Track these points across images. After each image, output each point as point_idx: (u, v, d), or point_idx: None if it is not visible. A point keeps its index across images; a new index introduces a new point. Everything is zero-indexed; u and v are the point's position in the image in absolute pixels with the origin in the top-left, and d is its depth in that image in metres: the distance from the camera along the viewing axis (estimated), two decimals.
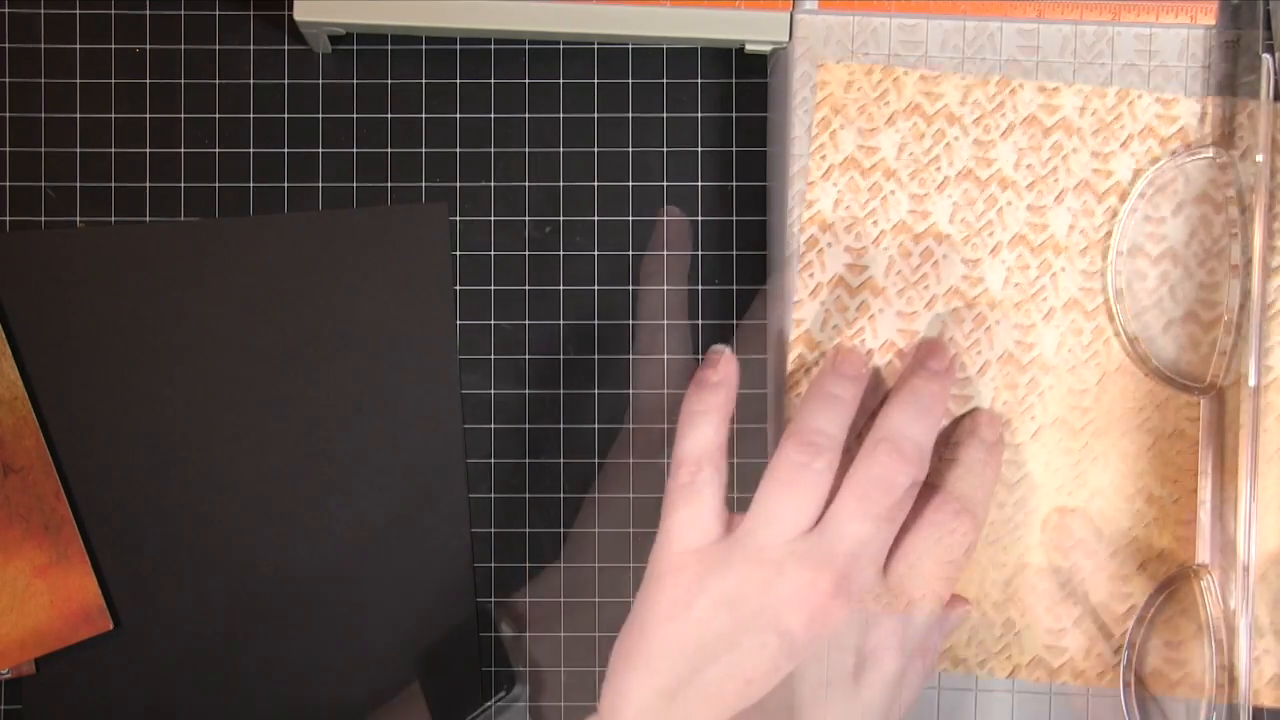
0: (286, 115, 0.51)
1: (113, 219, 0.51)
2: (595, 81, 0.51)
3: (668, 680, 0.38)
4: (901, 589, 0.40)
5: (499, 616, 0.49)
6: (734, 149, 0.51)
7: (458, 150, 0.51)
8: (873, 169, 0.42)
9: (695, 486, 0.41)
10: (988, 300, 0.43)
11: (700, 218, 0.51)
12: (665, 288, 0.43)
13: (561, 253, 0.51)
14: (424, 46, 0.51)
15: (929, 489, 0.42)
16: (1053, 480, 0.46)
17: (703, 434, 0.42)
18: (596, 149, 0.51)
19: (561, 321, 0.51)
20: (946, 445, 0.43)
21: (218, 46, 0.51)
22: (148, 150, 0.51)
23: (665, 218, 0.42)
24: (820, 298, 0.42)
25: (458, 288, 0.51)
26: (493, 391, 0.51)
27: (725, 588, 0.39)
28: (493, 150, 0.51)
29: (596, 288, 0.51)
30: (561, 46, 0.51)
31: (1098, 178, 0.42)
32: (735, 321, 0.51)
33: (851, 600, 0.39)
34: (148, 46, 0.51)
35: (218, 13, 0.51)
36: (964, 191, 0.42)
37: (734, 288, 0.51)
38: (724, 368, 0.42)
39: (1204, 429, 0.46)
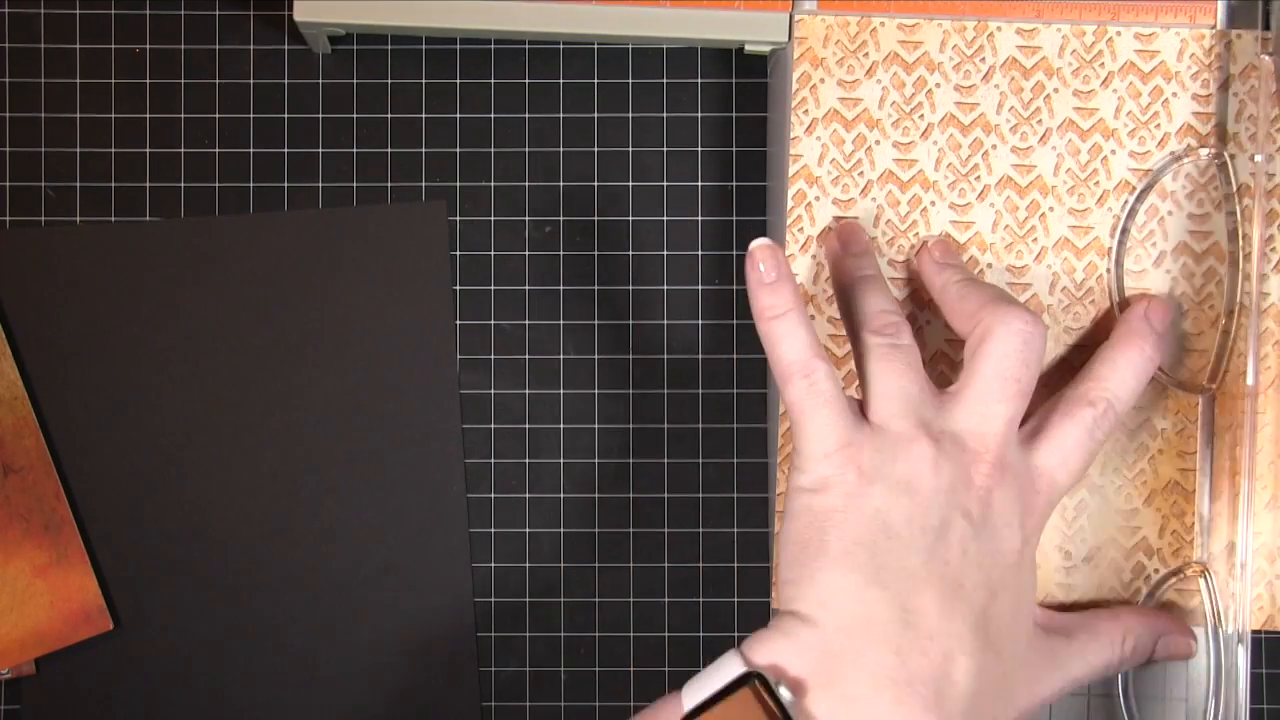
0: (286, 115, 0.51)
1: (113, 219, 0.51)
2: (595, 81, 0.51)
3: (875, 571, 0.38)
4: (1047, 471, 0.41)
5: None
6: (734, 149, 0.51)
7: (458, 150, 0.51)
8: (855, 120, 0.43)
9: (816, 389, 0.40)
10: (979, 244, 0.43)
11: (700, 218, 0.51)
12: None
13: (561, 253, 0.51)
14: (424, 46, 0.51)
15: (1084, 375, 0.43)
16: None
17: (794, 335, 0.40)
18: (596, 149, 0.51)
19: (561, 321, 0.51)
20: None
21: (218, 46, 0.51)
22: (148, 150, 0.51)
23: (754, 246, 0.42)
24: (811, 251, 0.43)
25: (458, 288, 0.51)
26: (493, 391, 0.51)
27: (896, 473, 0.39)
28: (493, 150, 0.51)
29: (596, 288, 0.51)
30: (561, 46, 0.51)
31: (1080, 116, 0.42)
32: (735, 321, 0.51)
33: (1011, 480, 0.40)
34: (148, 46, 0.51)
35: (218, 13, 0.51)
36: (949, 137, 0.42)
37: (734, 288, 0.51)
38: (770, 260, 0.40)
39: (1202, 428, 0.46)
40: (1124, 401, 0.42)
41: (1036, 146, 0.42)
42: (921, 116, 0.42)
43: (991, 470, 0.40)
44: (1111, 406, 0.42)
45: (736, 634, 0.51)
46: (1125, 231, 0.45)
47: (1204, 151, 0.46)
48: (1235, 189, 0.46)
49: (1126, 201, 0.45)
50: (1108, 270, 0.44)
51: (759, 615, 0.51)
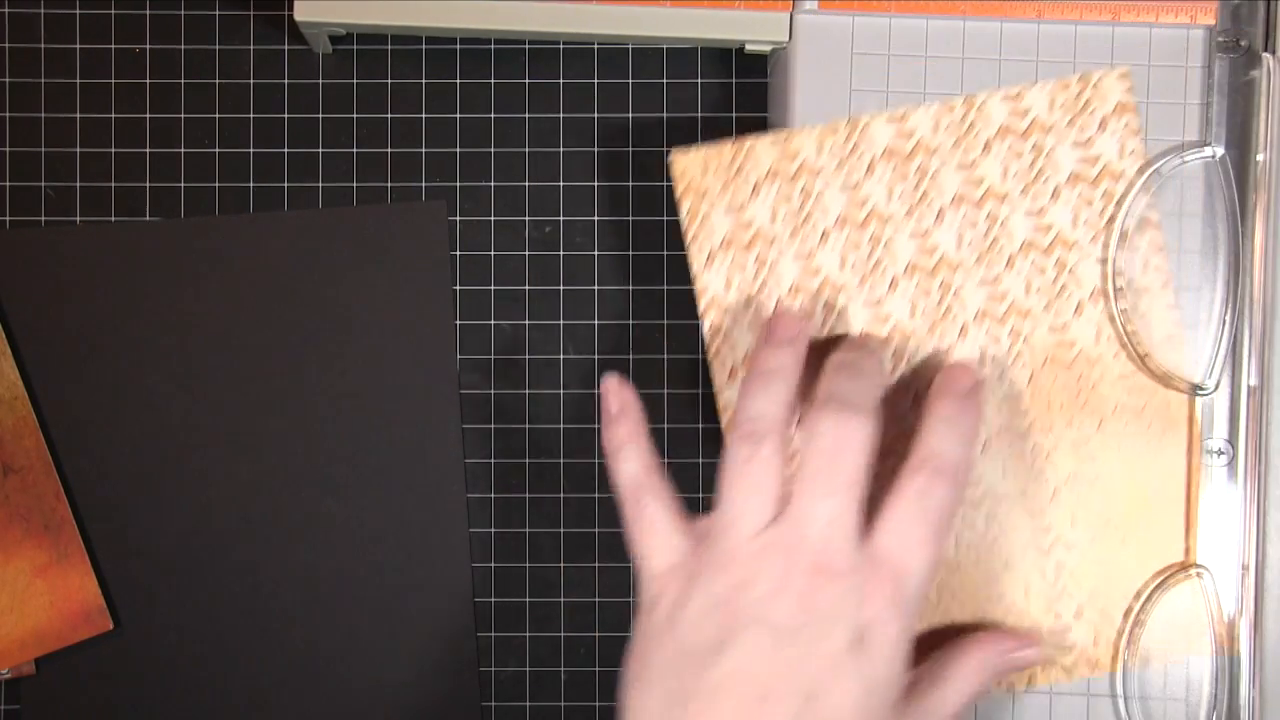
0: (286, 115, 0.51)
1: (113, 219, 0.51)
2: (595, 81, 0.51)
3: (674, 692, 0.38)
4: (888, 557, 0.39)
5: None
6: None
7: (458, 150, 0.51)
8: (752, 241, 0.42)
9: (644, 515, 0.41)
10: (901, 333, 0.43)
11: None
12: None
13: (561, 253, 0.51)
14: (424, 46, 0.51)
15: (907, 451, 0.41)
16: (1044, 484, 0.45)
17: (628, 465, 0.42)
18: (596, 149, 0.51)
19: (562, 322, 0.51)
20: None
21: (218, 46, 0.51)
22: (148, 150, 0.51)
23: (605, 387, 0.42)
24: (740, 378, 0.42)
25: (458, 288, 0.51)
26: (493, 391, 0.51)
27: (709, 594, 0.39)
28: (493, 150, 0.51)
29: (597, 288, 0.51)
30: (561, 46, 0.51)
31: (969, 187, 0.42)
32: None
33: (835, 577, 0.39)
34: (148, 46, 0.51)
35: (218, 13, 0.51)
36: (847, 236, 0.42)
37: None
38: (613, 397, 0.42)
39: (1202, 428, 0.46)
40: (950, 462, 0.40)
41: (934, 227, 0.42)
42: (815, 224, 0.42)
43: (809, 574, 0.38)
44: (938, 471, 0.40)
45: None
46: (1124, 233, 0.45)
47: (1205, 151, 0.46)
48: (1237, 188, 0.46)
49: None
50: (1025, 338, 0.43)
51: None
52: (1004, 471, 0.45)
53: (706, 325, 0.43)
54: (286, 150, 0.51)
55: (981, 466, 0.44)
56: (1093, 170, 0.43)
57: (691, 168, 0.43)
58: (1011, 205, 0.42)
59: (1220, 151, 0.46)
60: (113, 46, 0.51)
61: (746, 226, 0.43)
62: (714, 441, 0.51)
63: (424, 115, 0.51)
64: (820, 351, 0.42)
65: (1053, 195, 0.43)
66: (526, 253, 0.51)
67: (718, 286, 0.43)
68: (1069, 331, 0.43)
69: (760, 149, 0.43)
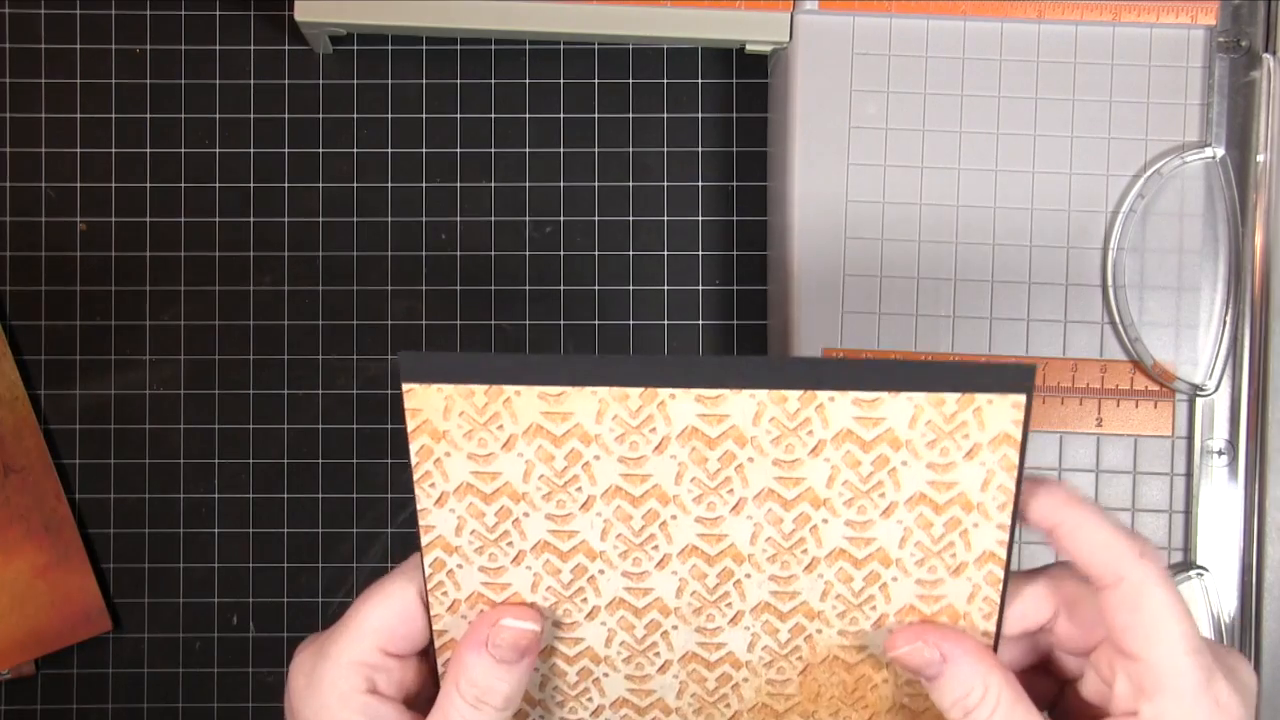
0: (287, 115, 0.51)
1: (113, 219, 0.51)
2: (595, 81, 0.51)
3: None
4: None
5: None
6: (734, 149, 0.51)
7: (458, 150, 0.51)
8: (496, 494, 0.35)
9: None
10: (660, 608, 0.36)
11: (701, 218, 0.51)
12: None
13: (562, 253, 0.51)
14: (424, 47, 0.51)
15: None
16: None
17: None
18: (597, 149, 0.51)
19: (562, 322, 0.51)
20: None
21: (218, 46, 0.51)
22: (148, 150, 0.51)
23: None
24: (461, 612, 0.36)
25: (458, 288, 0.51)
26: None
27: None
28: (493, 150, 0.51)
29: (597, 288, 0.51)
30: (562, 46, 0.51)
31: (783, 485, 0.35)
32: (735, 322, 0.51)
33: None
34: (148, 47, 0.51)
35: (218, 13, 0.51)
36: (616, 508, 0.35)
37: (734, 288, 0.51)
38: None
39: (1201, 429, 0.46)
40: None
41: (728, 516, 0.35)
42: (580, 489, 0.35)
43: None
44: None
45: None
46: (1124, 233, 0.45)
47: (1205, 151, 0.46)
48: (1238, 189, 0.46)
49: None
50: (818, 631, 0.36)
51: None
52: None
53: (430, 560, 0.35)
54: (287, 150, 0.51)
55: None
56: (942, 496, 0.34)
57: (430, 406, 0.34)
58: (831, 512, 0.35)
59: (1220, 152, 0.46)
60: (113, 47, 0.51)
61: (491, 479, 0.35)
62: None
63: (424, 115, 0.51)
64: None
65: (884, 512, 0.35)
66: (526, 253, 0.51)
67: (446, 528, 0.35)
68: (862, 640, 0.37)
69: (521, 404, 0.34)
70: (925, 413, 0.33)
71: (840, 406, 0.34)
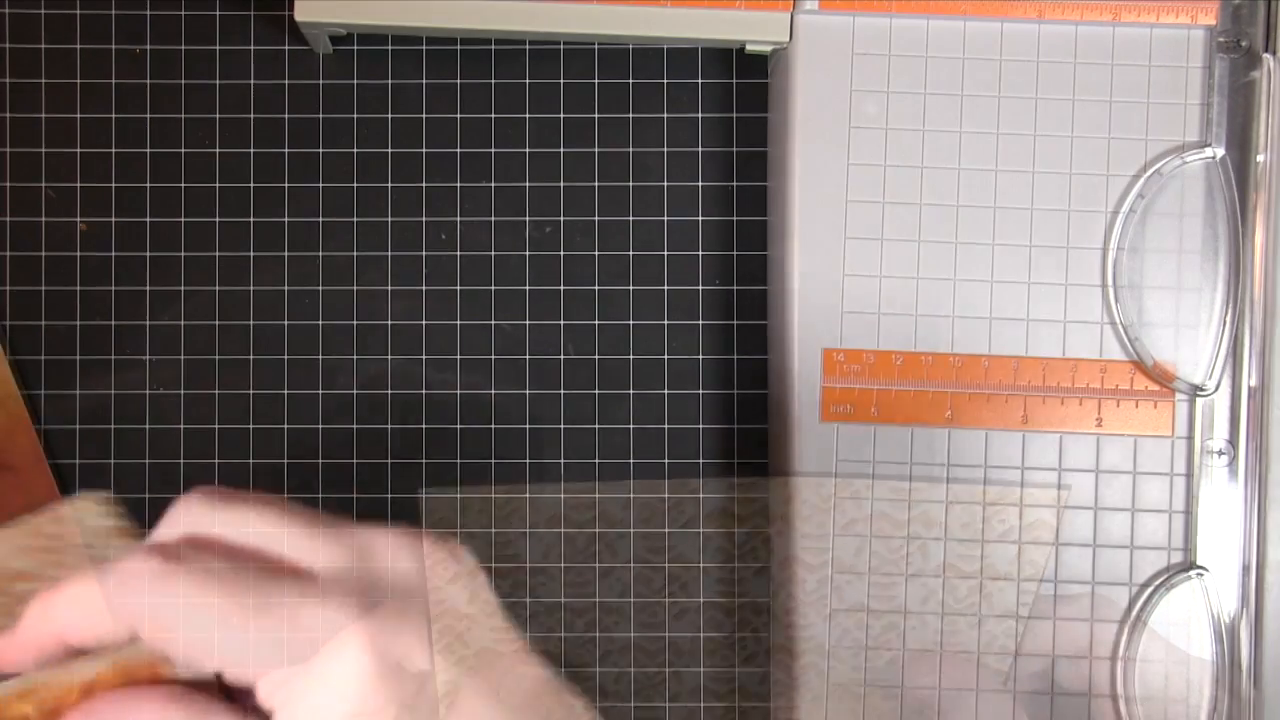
0: (287, 115, 0.51)
1: (113, 219, 0.51)
2: (595, 82, 0.51)
3: None
4: None
5: None
6: (734, 149, 0.51)
7: (458, 150, 0.51)
8: None
9: None
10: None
11: (700, 218, 0.51)
12: None
13: (562, 253, 0.51)
14: (424, 47, 0.51)
15: None
16: None
17: None
18: (597, 149, 0.51)
19: (562, 322, 0.51)
20: None
21: (218, 46, 0.51)
22: (148, 150, 0.51)
23: None
24: None
25: (458, 288, 0.51)
26: (493, 391, 0.51)
27: None
28: (493, 150, 0.51)
29: (597, 288, 0.51)
30: (562, 46, 0.51)
31: None
32: (735, 322, 0.51)
33: None
34: (148, 47, 0.51)
35: (218, 13, 0.51)
36: None
37: (734, 288, 0.51)
38: None
39: (1201, 429, 0.46)
40: None
41: None
42: None
43: None
44: None
45: (736, 635, 0.51)
46: (1125, 233, 0.45)
47: (1205, 151, 0.46)
48: (1238, 189, 0.46)
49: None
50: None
51: (759, 613, 0.51)
52: None
53: None
54: (287, 150, 0.51)
55: None
56: None
57: None
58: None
59: (1220, 152, 0.46)
60: (113, 47, 0.51)
61: None
62: (714, 441, 0.51)
63: (424, 115, 0.51)
64: None
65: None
66: (527, 253, 0.51)
67: None
68: None
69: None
70: None
71: None
